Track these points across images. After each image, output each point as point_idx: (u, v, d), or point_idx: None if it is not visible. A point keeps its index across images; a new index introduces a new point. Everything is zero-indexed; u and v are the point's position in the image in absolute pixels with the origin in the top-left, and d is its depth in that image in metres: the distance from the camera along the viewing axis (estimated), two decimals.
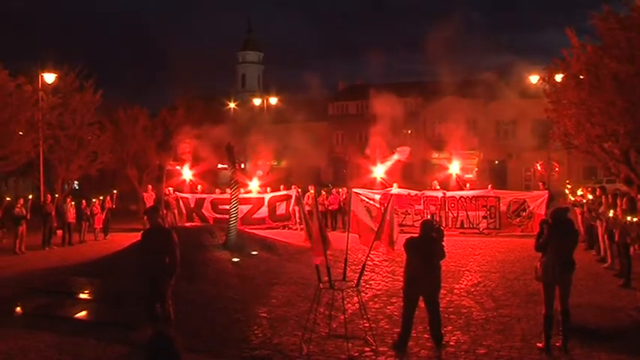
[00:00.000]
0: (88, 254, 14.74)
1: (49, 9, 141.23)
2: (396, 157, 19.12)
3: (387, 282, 10.92)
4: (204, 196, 21.34)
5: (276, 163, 38.75)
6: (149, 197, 20.74)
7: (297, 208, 19.28)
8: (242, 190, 17.55)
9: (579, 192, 15.46)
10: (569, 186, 18.70)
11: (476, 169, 40.63)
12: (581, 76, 15.18)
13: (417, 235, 7.22)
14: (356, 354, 6.82)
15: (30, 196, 17.58)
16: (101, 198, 19.64)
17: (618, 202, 10.85)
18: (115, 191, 21.03)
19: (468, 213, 17.92)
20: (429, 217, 15.15)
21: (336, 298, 7.84)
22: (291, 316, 8.46)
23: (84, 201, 18.98)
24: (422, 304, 7.11)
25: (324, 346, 7.10)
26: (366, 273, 10.04)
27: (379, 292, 10.08)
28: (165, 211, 19.24)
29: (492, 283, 10.74)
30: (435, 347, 6.98)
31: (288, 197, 20.19)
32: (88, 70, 24.66)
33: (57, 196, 20.46)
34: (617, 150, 14.79)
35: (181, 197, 21.03)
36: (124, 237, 17.81)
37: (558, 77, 17.84)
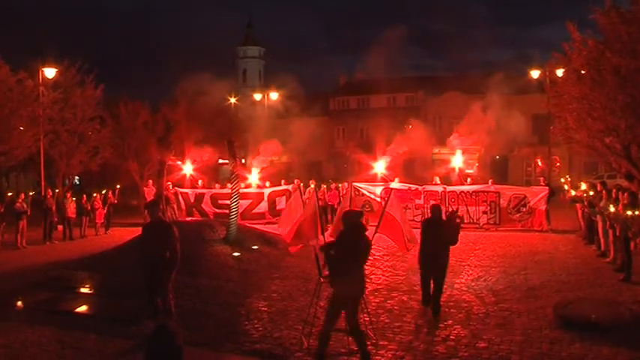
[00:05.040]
0: (89, 249, 14.76)
1: (49, 3, 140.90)
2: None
3: (387, 276, 10.95)
4: (204, 191, 21.36)
5: (276, 158, 38.69)
6: (150, 192, 20.75)
7: None
8: (242, 185, 17.55)
9: (583, 186, 15.46)
10: (568, 178, 18.69)
11: (477, 164, 40.57)
12: (583, 71, 15.13)
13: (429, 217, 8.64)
14: (356, 348, 6.82)
15: (31, 193, 17.60)
16: (103, 192, 19.65)
17: (619, 196, 10.85)
18: (117, 186, 21.03)
19: (468, 208, 17.93)
20: (453, 208, 15.62)
21: None
22: (292, 310, 8.48)
23: (84, 196, 19.00)
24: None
25: None
26: (366, 267, 10.06)
27: (379, 287, 10.10)
28: (164, 206, 19.24)
29: (493, 277, 10.75)
30: (432, 317, 7.96)
31: (287, 192, 20.20)
32: (89, 65, 24.65)
33: (57, 191, 20.47)
34: (619, 145, 14.76)
35: (181, 192, 21.04)
36: (124, 232, 17.84)
37: (559, 72, 17.81)
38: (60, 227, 18.04)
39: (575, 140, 17.03)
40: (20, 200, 16.27)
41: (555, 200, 18.72)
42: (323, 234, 7.59)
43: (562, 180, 18.91)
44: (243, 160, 34.25)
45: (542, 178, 19.88)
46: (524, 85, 32.68)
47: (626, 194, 10.48)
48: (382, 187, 18.95)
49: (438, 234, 8.10)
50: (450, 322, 7.82)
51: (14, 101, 19.70)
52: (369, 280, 10.43)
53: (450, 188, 18.68)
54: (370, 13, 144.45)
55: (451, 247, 8.43)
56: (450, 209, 16.35)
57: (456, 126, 28.05)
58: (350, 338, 6.99)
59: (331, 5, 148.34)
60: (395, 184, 18.69)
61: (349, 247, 6.35)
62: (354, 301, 6.36)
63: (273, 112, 41.70)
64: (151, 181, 22.19)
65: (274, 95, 42.74)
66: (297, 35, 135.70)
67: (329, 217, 19.49)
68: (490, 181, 19.21)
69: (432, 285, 8.21)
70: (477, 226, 17.67)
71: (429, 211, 8.98)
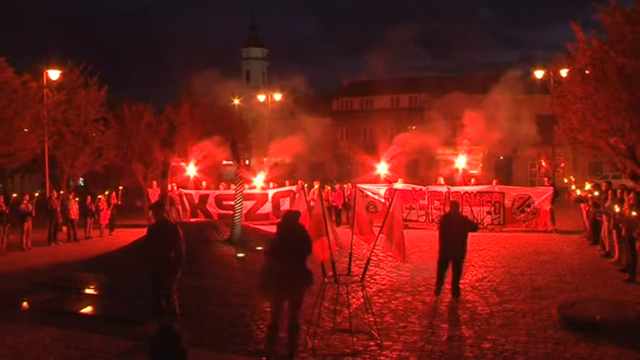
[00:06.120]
0: (94, 250, 14.81)
1: (53, 5, 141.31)
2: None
3: (391, 277, 10.94)
4: (208, 192, 21.38)
5: (280, 160, 38.73)
6: (154, 193, 20.77)
7: None
8: (246, 186, 17.56)
9: (587, 186, 15.42)
10: (572, 179, 18.66)
11: (481, 164, 40.52)
12: (587, 71, 15.08)
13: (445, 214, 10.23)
14: (360, 348, 6.83)
15: (36, 194, 17.66)
16: (107, 194, 19.71)
17: (625, 197, 10.82)
18: (120, 187, 21.08)
19: (473, 208, 17.88)
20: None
21: (341, 293, 7.86)
22: None
23: (89, 197, 19.06)
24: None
25: (329, 341, 7.12)
26: (370, 268, 10.08)
27: (384, 287, 10.09)
28: (169, 207, 19.26)
29: (497, 278, 10.73)
30: (453, 298, 8.91)
31: (291, 193, 20.21)
32: (93, 67, 24.73)
33: (62, 192, 20.53)
34: (623, 145, 14.70)
35: (185, 193, 21.07)
36: (129, 233, 17.89)
37: (564, 72, 17.76)
38: (64, 228, 18.11)
39: (580, 140, 16.97)
40: (25, 201, 16.34)
41: (560, 201, 18.67)
42: (327, 234, 7.55)
43: (566, 180, 18.87)
44: (247, 162, 34.29)
45: (546, 179, 19.83)
46: (529, 85, 32.57)
47: (631, 194, 10.44)
48: (386, 188, 18.96)
49: (455, 228, 9.15)
50: (455, 322, 7.81)
51: (18, 103, 19.76)
52: (372, 281, 10.46)
53: (454, 189, 18.66)
54: (371, 13, 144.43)
55: None
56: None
57: (459, 127, 28.07)
58: (354, 338, 7.00)
59: (335, 6, 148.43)
60: (399, 185, 18.69)
61: (280, 243, 6.44)
62: (278, 296, 6.34)
63: (276, 113, 41.72)
64: (155, 183, 22.20)
65: (278, 96, 42.78)
66: (298, 35, 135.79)
67: (333, 217, 19.51)
68: (494, 181, 19.18)
69: (450, 268, 9.12)
70: (481, 226, 17.60)
71: (447, 206, 10.41)
